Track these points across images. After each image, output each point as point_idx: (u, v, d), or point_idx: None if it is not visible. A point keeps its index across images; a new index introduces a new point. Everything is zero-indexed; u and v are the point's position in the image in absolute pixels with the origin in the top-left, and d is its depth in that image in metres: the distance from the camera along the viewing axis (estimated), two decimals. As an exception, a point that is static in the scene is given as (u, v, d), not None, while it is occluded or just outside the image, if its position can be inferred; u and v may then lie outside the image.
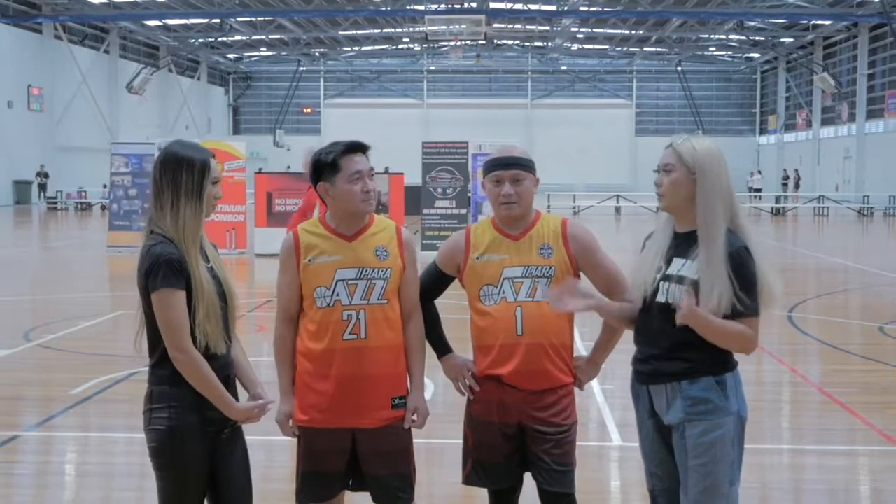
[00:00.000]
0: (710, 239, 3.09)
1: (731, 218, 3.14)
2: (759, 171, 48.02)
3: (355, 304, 3.33)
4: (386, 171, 20.45)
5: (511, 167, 3.45)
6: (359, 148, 3.39)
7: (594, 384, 7.44)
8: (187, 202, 3.12)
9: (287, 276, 3.41)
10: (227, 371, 3.22)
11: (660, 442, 3.26)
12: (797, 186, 47.16)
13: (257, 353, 7.85)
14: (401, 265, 3.42)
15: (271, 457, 5.70)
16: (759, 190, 43.87)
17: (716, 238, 3.08)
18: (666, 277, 3.19)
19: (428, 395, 6.87)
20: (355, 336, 3.32)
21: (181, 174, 3.13)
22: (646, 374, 3.24)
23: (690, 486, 3.13)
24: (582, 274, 3.53)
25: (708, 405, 3.11)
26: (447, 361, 3.61)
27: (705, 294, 3.05)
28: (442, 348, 3.63)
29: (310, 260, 3.36)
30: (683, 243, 3.18)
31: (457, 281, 3.65)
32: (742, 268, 3.07)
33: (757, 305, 3.09)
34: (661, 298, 3.18)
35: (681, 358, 3.13)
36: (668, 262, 3.21)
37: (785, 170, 50.23)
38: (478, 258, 3.49)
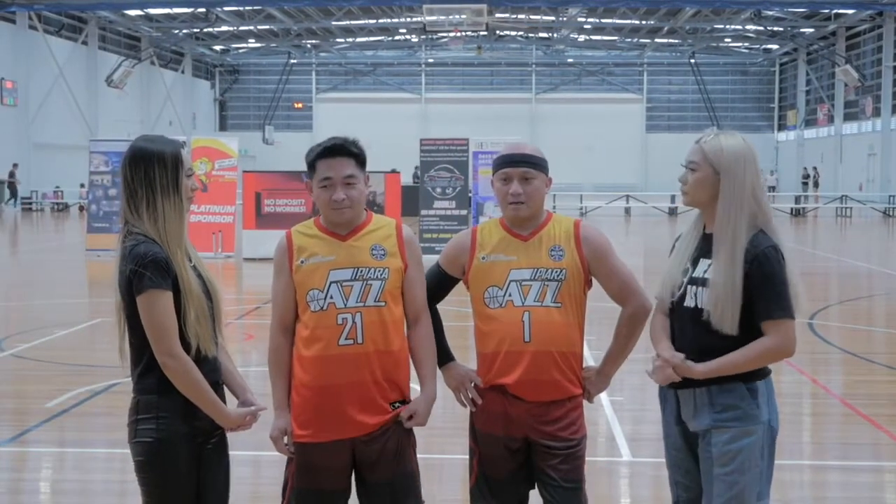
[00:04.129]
0: (725, 243, 3.13)
1: (761, 220, 3.18)
2: (772, 172, 48.12)
3: (350, 306, 3.31)
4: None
5: (521, 165, 3.45)
6: (339, 151, 3.34)
7: (603, 396, 7.43)
8: (165, 199, 3.12)
9: (282, 281, 3.40)
10: (215, 376, 3.23)
11: (686, 450, 3.29)
12: (816, 185, 47.20)
13: (245, 363, 7.83)
14: (401, 265, 3.41)
15: (259, 473, 5.69)
16: (772, 188, 44.00)
17: (732, 243, 3.12)
18: (693, 280, 3.22)
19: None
20: (352, 341, 3.30)
21: (153, 170, 3.12)
22: (675, 381, 3.26)
23: (715, 497, 3.15)
24: (593, 279, 3.53)
25: (737, 412, 3.15)
26: (449, 370, 3.61)
27: (712, 301, 3.11)
28: (444, 356, 3.62)
29: (302, 261, 3.35)
30: (710, 244, 3.22)
31: (457, 286, 3.65)
32: (771, 267, 3.11)
33: (789, 306, 3.13)
34: (689, 303, 3.22)
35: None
36: (695, 264, 3.25)
37: (805, 168, 50.26)
38: (484, 258, 3.49)
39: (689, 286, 3.23)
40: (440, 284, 3.63)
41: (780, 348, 3.14)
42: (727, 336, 3.13)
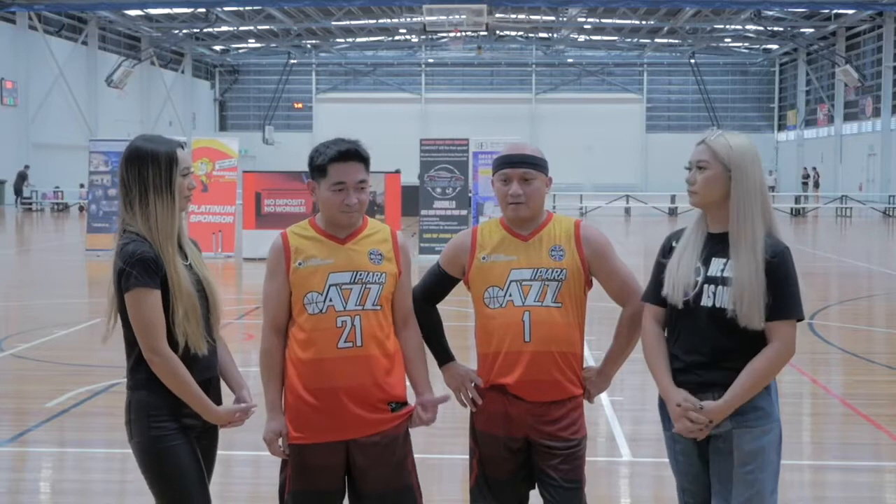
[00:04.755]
0: (745, 240, 3.13)
1: (770, 219, 3.19)
2: (770, 172, 48.21)
3: (350, 309, 3.32)
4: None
5: (520, 166, 3.44)
6: (353, 156, 3.35)
7: (603, 396, 7.43)
8: (157, 198, 3.17)
9: (276, 282, 3.39)
10: (209, 373, 3.26)
11: (696, 455, 3.28)
12: (817, 185, 47.22)
13: (245, 362, 7.80)
14: (396, 270, 3.42)
15: (259, 473, 5.68)
16: (771, 188, 44.04)
17: (752, 240, 3.12)
18: (710, 280, 3.19)
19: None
20: (351, 344, 3.31)
21: (147, 169, 3.17)
22: (691, 385, 3.21)
23: (735, 496, 3.14)
24: (593, 279, 3.53)
25: (758, 411, 3.16)
26: (449, 370, 3.61)
27: (737, 298, 3.09)
28: (443, 356, 3.62)
29: (300, 263, 3.35)
30: (720, 243, 3.21)
31: (458, 286, 3.65)
32: (787, 269, 3.13)
33: (799, 306, 3.15)
34: (706, 302, 3.19)
35: (723, 367, 3.16)
36: (707, 263, 3.22)
37: (805, 168, 50.26)
38: (484, 258, 3.49)
39: (705, 285, 3.19)
40: (440, 284, 3.63)
41: (787, 349, 3.14)
42: (741, 339, 3.12)
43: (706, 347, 3.18)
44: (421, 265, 3.51)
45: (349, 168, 3.33)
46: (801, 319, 3.17)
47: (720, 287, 3.16)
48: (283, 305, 3.39)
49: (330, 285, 3.32)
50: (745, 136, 3.24)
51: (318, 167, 3.34)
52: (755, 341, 3.13)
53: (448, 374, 3.61)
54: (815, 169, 49.07)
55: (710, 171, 3.19)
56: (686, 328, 3.24)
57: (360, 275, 3.35)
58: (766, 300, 3.09)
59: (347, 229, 3.40)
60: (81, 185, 33.41)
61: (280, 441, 3.39)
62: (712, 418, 3.13)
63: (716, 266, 3.19)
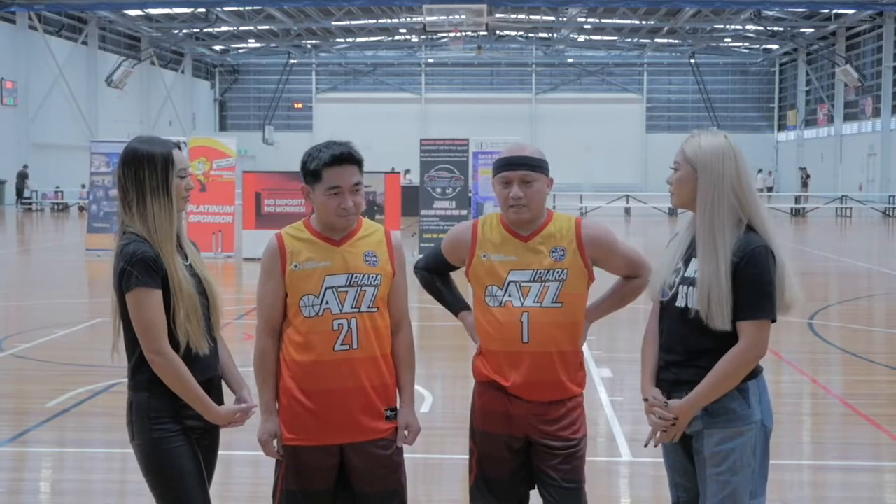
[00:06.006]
0: (704, 239, 3.13)
1: (748, 217, 3.16)
2: (770, 173, 48.24)
3: (346, 312, 3.32)
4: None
5: (520, 168, 3.44)
6: (346, 160, 3.33)
7: (603, 396, 7.45)
8: (154, 199, 3.17)
9: (271, 284, 3.38)
10: (210, 373, 3.27)
11: (683, 452, 3.29)
12: (805, 185, 47.15)
13: (246, 362, 7.80)
14: (390, 271, 3.42)
15: (259, 473, 5.68)
16: (769, 188, 44.03)
17: (713, 239, 3.11)
18: (684, 280, 3.21)
19: (427, 407, 6.96)
20: (347, 346, 3.32)
21: (143, 171, 3.18)
22: (668, 383, 3.25)
23: (709, 497, 3.16)
24: (597, 268, 3.55)
25: (729, 414, 3.14)
26: (464, 320, 3.70)
27: (701, 298, 3.09)
28: (457, 305, 3.73)
29: (296, 266, 3.34)
30: None
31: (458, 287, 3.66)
32: (757, 268, 3.09)
33: (771, 308, 3.11)
34: (679, 303, 3.20)
35: (697, 366, 3.16)
36: (687, 264, 3.24)
37: (805, 168, 50.27)
38: (484, 256, 3.50)
39: (680, 286, 3.22)
40: (441, 266, 3.71)
41: (751, 350, 3.10)
42: (715, 338, 3.11)
43: (681, 346, 3.20)
44: (421, 265, 3.55)
45: (344, 172, 3.31)
46: (773, 321, 3.13)
47: (690, 288, 3.17)
48: (278, 307, 3.38)
49: (326, 288, 3.32)
50: (723, 135, 3.22)
51: (312, 172, 3.32)
52: (729, 341, 3.12)
53: (465, 323, 3.69)
54: (803, 169, 49.06)
55: (680, 171, 3.23)
56: (666, 327, 3.27)
57: (356, 277, 3.34)
58: (731, 301, 3.07)
59: (342, 231, 3.40)
60: (83, 186, 33.40)
61: (274, 442, 3.40)
62: (676, 415, 3.15)
63: (692, 266, 3.20)
